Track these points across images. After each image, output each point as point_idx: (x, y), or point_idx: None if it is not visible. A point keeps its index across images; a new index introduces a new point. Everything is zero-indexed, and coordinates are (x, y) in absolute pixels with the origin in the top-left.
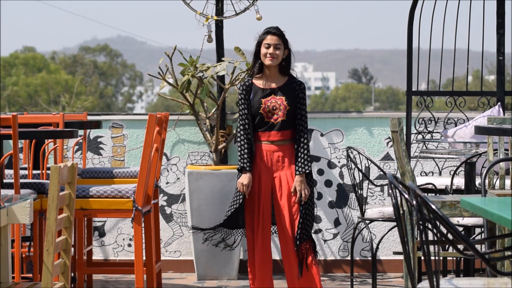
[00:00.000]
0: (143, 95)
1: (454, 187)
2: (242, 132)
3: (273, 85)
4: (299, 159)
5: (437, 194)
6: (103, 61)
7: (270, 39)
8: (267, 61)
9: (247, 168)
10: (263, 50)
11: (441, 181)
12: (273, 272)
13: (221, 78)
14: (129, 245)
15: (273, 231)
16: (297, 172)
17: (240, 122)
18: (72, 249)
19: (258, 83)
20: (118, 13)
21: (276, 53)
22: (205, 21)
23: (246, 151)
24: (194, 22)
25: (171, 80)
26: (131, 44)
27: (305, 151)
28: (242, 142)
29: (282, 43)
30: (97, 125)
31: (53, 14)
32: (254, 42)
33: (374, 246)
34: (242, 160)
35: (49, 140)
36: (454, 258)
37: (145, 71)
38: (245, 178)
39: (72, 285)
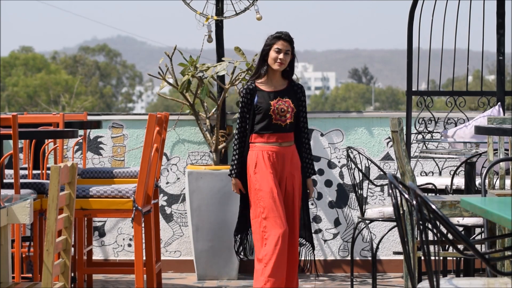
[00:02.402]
0: (143, 95)
1: (454, 187)
2: (240, 135)
3: (277, 88)
4: (308, 162)
5: (437, 194)
6: (102, 61)
7: (281, 44)
8: (275, 66)
9: (234, 175)
10: (272, 54)
11: (441, 181)
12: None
13: (221, 78)
14: (129, 245)
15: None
16: (308, 175)
17: (240, 124)
18: (72, 249)
19: (262, 86)
20: (118, 13)
21: (285, 59)
22: (205, 21)
23: (237, 156)
24: (194, 22)
25: (171, 80)
26: (131, 44)
27: (311, 154)
28: (237, 147)
29: (291, 49)
30: (97, 125)
31: (53, 14)
32: (262, 43)
33: (374, 246)
34: (233, 167)
35: (49, 140)
36: (454, 258)
37: (145, 71)
38: (235, 184)
39: (72, 285)
